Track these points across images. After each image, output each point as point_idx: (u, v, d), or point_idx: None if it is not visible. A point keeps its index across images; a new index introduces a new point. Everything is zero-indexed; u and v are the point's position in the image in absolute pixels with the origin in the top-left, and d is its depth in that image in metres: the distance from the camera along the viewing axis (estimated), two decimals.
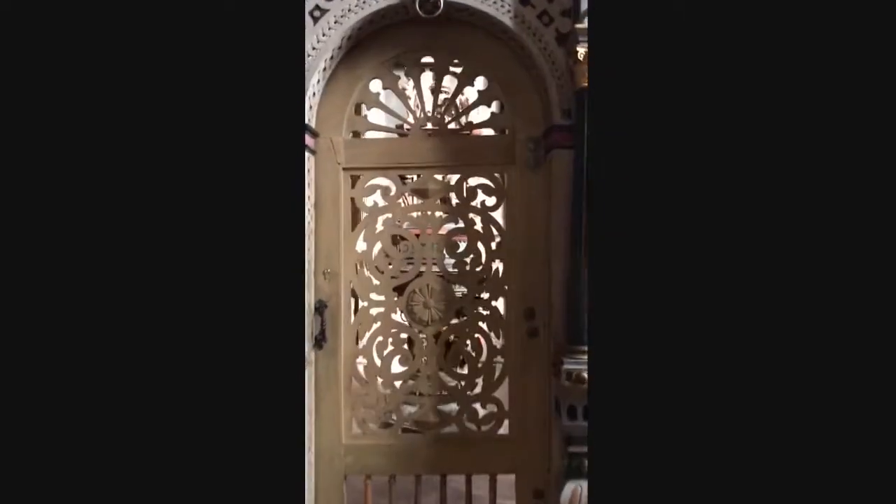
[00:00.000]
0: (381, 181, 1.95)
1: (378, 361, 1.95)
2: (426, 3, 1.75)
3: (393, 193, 1.95)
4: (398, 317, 1.97)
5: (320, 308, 1.88)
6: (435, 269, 1.94)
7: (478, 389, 1.95)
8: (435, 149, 1.92)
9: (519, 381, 1.90)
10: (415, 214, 1.98)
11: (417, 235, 1.96)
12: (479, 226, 1.94)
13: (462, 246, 1.95)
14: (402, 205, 1.99)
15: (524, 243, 1.88)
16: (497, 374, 1.94)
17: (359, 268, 1.97)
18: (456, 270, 1.95)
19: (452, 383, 1.98)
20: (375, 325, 1.96)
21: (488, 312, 1.94)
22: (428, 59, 1.93)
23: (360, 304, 1.98)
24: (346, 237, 1.93)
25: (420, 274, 1.95)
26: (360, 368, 1.97)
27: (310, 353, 1.86)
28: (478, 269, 1.93)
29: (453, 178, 1.97)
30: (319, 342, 1.88)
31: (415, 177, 2.00)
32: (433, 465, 1.92)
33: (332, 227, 1.91)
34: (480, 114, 2.06)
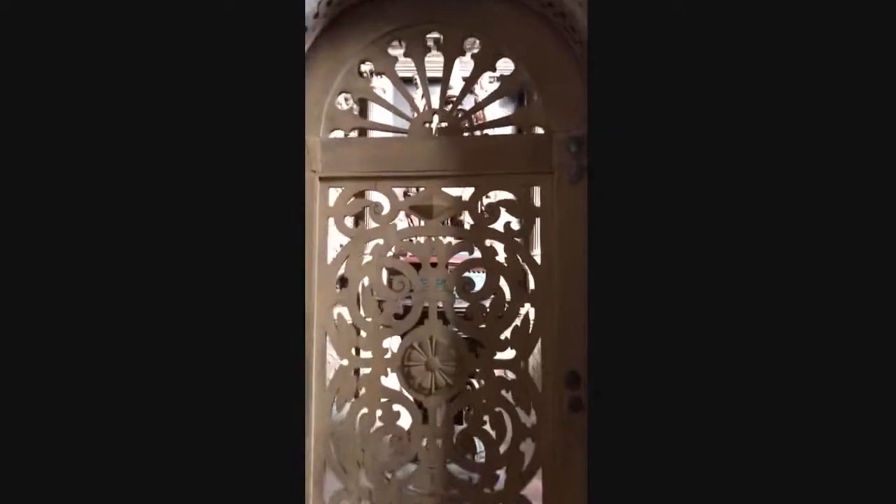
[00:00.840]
0: (371, 195, 1.46)
1: (361, 443, 1.42)
2: None
3: (386, 212, 1.45)
4: (390, 381, 1.44)
5: None
6: (440, 308, 1.43)
7: (499, 485, 1.39)
8: (443, 153, 1.43)
9: (557, 475, 1.35)
10: (415, 240, 1.47)
11: (418, 268, 1.45)
12: (501, 256, 1.43)
13: (478, 283, 1.44)
14: (399, 227, 1.48)
15: (564, 281, 1.36)
16: (526, 463, 1.39)
17: (337, 312, 1.46)
18: (471, 318, 1.42)
19: (464, 476, 1.42)
20: (359, 393, 1.44)
21: (515, 377, 1.41)
22: (434, 36, 1.47)
23: (339, 362, 1.45)
24: (322, 270, 1.43)
25: (421, 322, 1.43)
26: (337, 452, 1.43)
27: None
28: (500, 317, 1.41)
29: (467, 193, 1.46)
30: None
31: (415, 190, 1.50)
32: None
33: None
34: (504, 107, 1.58)
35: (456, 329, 1.43)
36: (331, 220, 1.45)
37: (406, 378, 1.42)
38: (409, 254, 1.49)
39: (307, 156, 1.41)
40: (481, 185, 1.45)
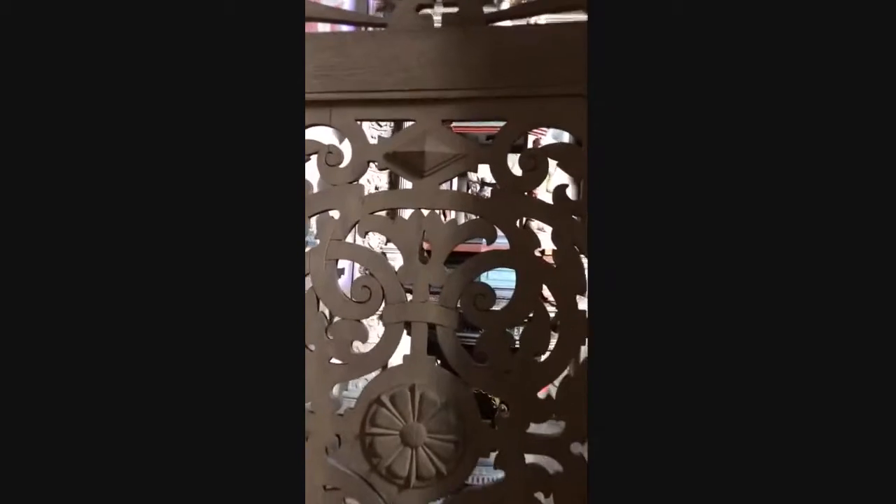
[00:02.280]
0: (322, 134, 0.85)
1: None
2: None
3: (345, 163, 0.84)
4: (340, 456, 0.84)
5: None
6: (430, 315, 0.81)
7: None
8: (449, 59, 0.80)
9: None
10: (396, 215, 0.85)
11: (392, 252, 0.84)
12: (547, 247, 0.79)
13: (502, 283, 0.81)
14: (368, 189, 0.86)
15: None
16: None
17: None
18: (486, 358, 0.80)
19: None
20: None
21: (561, 469, 0.78)
22: None
23: None
24: None
25: (398, 358, 0.83)
26: None
27: None
28: (540, 359, 0.78)
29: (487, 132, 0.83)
30: None
31: (394, 126, 0.87)
32: None
33: None
34: None
35: (457, 374, 0.81)
36: None
37: (368, 455, 0.81)
38: (384, 238, 0.88)
39: None
40: (515, 116, 0.80)
